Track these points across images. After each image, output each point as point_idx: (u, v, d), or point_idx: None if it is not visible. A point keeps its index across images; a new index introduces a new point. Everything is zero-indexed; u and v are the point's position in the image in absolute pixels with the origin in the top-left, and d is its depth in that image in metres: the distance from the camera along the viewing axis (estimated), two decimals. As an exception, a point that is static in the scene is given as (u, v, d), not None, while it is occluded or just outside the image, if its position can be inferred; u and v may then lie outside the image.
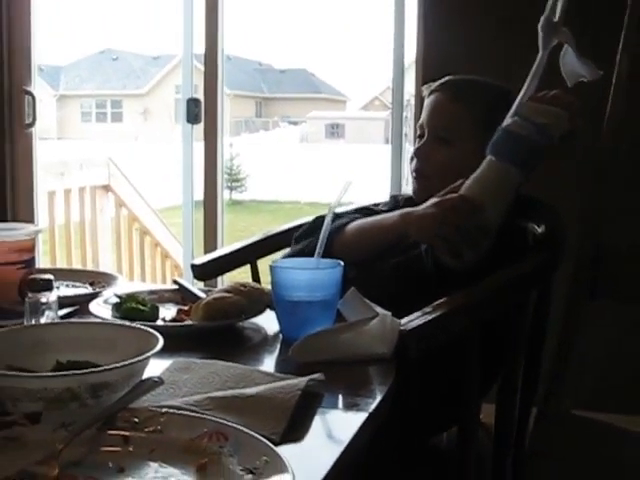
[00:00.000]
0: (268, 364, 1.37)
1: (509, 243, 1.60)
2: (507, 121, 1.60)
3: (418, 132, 1.83)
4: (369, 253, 1.68)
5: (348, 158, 17.41)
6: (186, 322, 1.45)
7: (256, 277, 1.99)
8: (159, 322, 1.44)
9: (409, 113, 3.58)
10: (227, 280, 2.98)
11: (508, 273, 1.55)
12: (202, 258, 1.95)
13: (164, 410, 0.96)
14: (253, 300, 1.46)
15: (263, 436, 0.91)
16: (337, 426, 1.08)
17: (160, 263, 5.20)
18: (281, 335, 1.41)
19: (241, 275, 2.13)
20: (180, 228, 4.83)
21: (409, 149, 3.34)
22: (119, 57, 26.55)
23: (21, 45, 3.66)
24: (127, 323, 1.27)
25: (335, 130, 23.70)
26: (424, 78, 3.00)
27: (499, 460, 1.59)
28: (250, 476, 0.83)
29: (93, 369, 1.02)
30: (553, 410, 1.55)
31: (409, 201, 1.82)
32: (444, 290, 1.48)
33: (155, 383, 1.01)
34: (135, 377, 1.02)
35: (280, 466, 0.83)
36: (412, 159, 1.81)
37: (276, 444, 0.91)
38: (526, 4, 2.69)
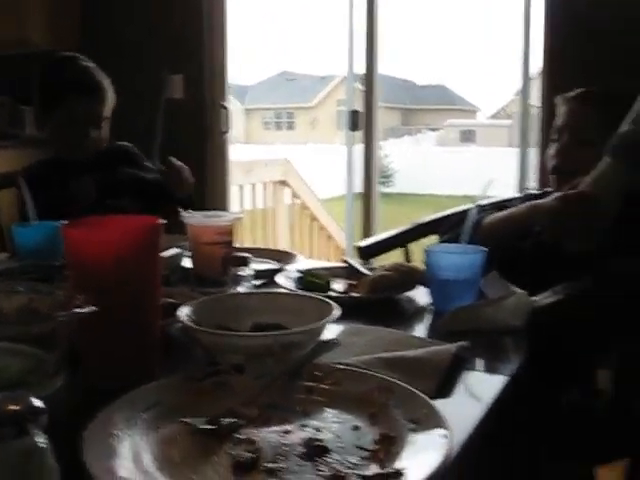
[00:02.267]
0: (420, 331, 1.34)
1: (626, 232, 1.53)
2: (624, 127, 1.51)
3: (554, 136, 1.75)
4: (504, 240, 1.63)
5: (478, 159, 17.05)
6: (354, 294, 1.44)
7: (408, 258, 1.97)
8: (332, 293, 1.44)
9: (532, 121, 3.44)
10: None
11: (630, 260, 1.47)
12: (366, 241, 1.94)
13: (341, 367, 0.96)
14: (409, 277, 1.44)
15: (420, 391, 0.89)
16: (481, 386, 1.05)
17: (325, 243, 5.26)
18: (432, 307, 1.39)
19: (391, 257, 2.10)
20: (339, 215, 4.84)
21: (533, 152, 3.23)
22: (294, 78, 26.92)
23: (219, 69, 3.76)
24: (308, 293, 1.27)
25: (467, 136, 23.23)
26: (547, 91, 2.90)
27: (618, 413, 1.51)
28: (413, 425, 0.81)
29: (285, 330, 1.03)
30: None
31: (541, 196, 1.76)
32: (568, 271, 1.43)
33: (334, 344, 1.01)
34: (317, 338, 1.02)
35: (438, 418, 0.81)
36: (552, 159, 1.74)
37: (431, 399, 0.89)
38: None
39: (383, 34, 3.58)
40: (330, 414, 0.87)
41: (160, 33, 3.80)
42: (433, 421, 0.81)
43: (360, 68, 3.60)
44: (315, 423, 0.84)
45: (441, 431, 0.78)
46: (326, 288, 1.45)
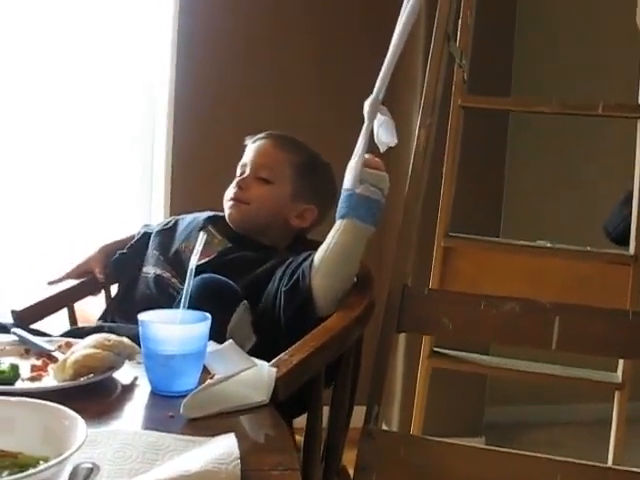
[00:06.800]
0: (137, 420, 1.09)
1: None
2: (357, 187, 1.48)
3: (239, 171, 1.74)
4: None
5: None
6: (52, 382, 1.13)
7: (74, 320, 1.69)
8: (21, 385, 1.11)
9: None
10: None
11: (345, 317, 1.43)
12: (23, 303, 1.60)
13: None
14: (119, 354, 1.19)
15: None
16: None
17: None
18: (150, 389, 1.15)
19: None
20: None
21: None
22: None
23: None
24: (24, 399, 0.92)
25: None
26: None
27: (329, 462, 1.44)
28: None
29: (18, 475, 0.68)
30: (373, 426, 1.44)
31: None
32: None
33: (92, 470, 0.74)
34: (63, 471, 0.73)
35: None
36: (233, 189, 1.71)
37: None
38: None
39: None
40: None
41: None
42: None
43: None
44: None
45: None
46: (14, 377, 1.12)
